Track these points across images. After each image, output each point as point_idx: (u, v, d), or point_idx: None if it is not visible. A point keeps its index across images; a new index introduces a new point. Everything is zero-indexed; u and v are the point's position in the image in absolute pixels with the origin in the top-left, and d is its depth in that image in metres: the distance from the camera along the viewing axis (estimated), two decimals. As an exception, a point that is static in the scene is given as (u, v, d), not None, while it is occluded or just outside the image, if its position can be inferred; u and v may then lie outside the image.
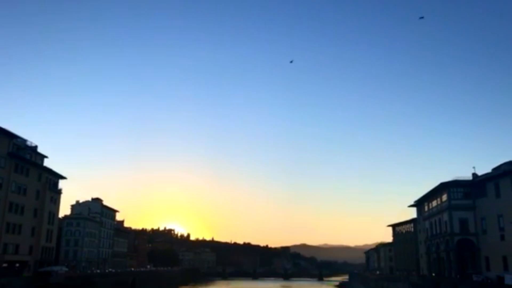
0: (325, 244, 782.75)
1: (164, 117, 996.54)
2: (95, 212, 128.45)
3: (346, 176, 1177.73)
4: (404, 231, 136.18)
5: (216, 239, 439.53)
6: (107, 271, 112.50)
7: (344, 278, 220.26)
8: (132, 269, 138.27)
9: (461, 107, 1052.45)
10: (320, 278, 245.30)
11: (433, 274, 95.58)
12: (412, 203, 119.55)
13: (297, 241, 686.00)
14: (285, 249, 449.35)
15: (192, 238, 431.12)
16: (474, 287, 72.99)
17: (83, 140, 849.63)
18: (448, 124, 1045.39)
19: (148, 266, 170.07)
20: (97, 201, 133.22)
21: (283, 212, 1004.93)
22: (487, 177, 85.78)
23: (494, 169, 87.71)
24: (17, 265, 72.28)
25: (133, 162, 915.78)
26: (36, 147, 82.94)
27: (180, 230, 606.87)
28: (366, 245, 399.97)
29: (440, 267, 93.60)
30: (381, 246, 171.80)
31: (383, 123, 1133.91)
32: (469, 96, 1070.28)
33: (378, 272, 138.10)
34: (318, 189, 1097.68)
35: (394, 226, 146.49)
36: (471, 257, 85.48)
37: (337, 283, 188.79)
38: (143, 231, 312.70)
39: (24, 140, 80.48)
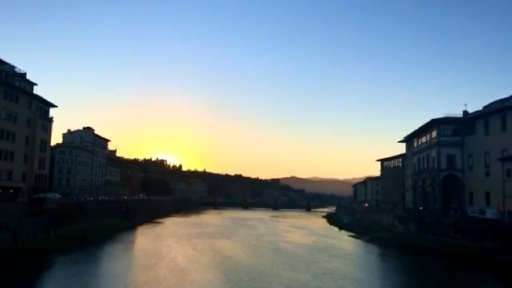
0: (314, 177, 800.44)
1: (161, 49, 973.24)
2: (87, 141, 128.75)
3: (337, 111, 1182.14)
4: (392, 166, 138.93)
5: (208, 170, 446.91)
6: (100, 198, 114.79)
7: (332, 209, 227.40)
8: (125, 197, 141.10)
9: (455, 44, 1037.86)
10: (308, 209, 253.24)
11: (420, 208, 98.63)
12: (402, 139, 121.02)
13: (287, 174, 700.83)
14: (275, 181, 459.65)
15: (184, 169, 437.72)
16: (456, 219, 75.77)
17: (74, 69, 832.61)
18: (442, 62, 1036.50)
19: (141, 195, 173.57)
20: (88, 130, 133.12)
21: (274, 145, 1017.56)
22: (477, 115, 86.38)
23: (485, 107, 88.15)
24: (11, 191, 73.36)
25: (126, 93, 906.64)
26: (25, 74, 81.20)
27: (172, 161, 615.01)
28: (354, 178, 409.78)
29: (425, 201, 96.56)
30: (369, 180, 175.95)
31: (376, 58, 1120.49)
32: (462, 33, 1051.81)
33: (366, 205, 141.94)
34: (308, 123, 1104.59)
35: (382, 161, 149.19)
36: (455, 192, 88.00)
37: (324, 214, 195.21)
38: (136, 161, 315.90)
39: (12, 67, 78.62)
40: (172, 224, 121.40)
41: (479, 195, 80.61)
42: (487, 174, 78.74)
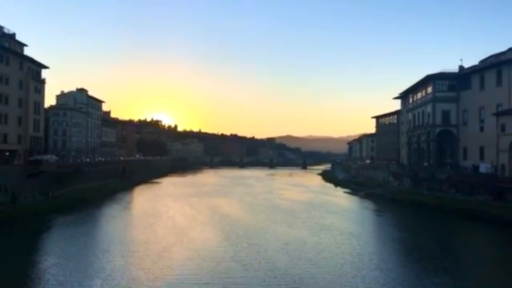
0: (310, 135, 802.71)
1: (157, 8, 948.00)
2: (81, 103, 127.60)
3: (332, 69, 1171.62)
4: (387, 123, 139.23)
5: (203, 130, 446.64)
6: (96, 160, 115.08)
7: (327, 167, 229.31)
8: (121, 158, 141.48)
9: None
10: (304, 167, 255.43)
11: (417, 163, 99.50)
12: (397, 95, 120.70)
13: (283, 133, 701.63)
14: (271, 140, 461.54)
15: (180, 129, 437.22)
16: (450, 174, 76.79)
17: (65, 29, 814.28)
18: (438, 17, 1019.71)
19: (137, 156, 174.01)
20: (82, 91, 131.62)
21: (269, 104, 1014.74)
22: (473, 70, 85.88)
23: (481, 62, 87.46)
24: (7, 154, 73.22)
25: (120, 52, 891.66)
26: (14, 34, 79.26)
27: (167, 121, 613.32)
28: (349, 136, 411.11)
29: (419, 157, 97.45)
30: (364, 137, 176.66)
31: (371, 15, 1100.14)
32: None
33: (368, 161, 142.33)
34: (303, 81, 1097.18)
35: (377, 117, 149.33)
36: (450, 147, 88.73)
37: (320, 172, 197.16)
38: (131, 121, 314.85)
39: (1, 27, 76.69)
40: (169, 184, 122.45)
41: (473, 150, 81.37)
42: (482, 129, 79.18)
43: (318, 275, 30.62)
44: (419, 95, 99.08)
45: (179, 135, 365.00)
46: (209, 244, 41.19)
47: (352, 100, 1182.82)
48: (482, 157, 77.25)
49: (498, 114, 70.55)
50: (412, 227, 56.30)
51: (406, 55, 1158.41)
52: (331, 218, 59.44)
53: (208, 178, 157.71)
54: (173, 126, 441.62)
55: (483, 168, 72.03)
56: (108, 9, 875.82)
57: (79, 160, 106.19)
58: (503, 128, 66.80)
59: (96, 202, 74.30)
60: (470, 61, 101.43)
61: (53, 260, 34.30)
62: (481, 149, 78.20)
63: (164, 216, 59.94)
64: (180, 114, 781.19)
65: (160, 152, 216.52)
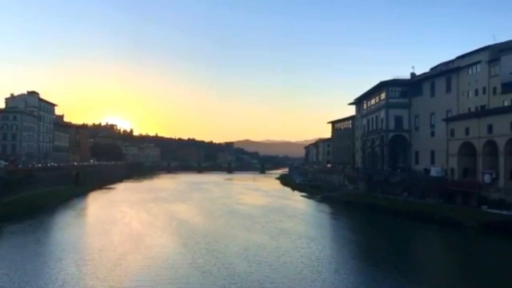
0: (268, 140, 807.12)
1: (113, 8, 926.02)
2: (32, 106, 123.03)
3: (289, 73, 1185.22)
4: (342, 128, 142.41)
5: (160, 134, 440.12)
6: (49, 165, 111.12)
7: (285, 171, 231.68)
8: (75, 163, 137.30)
9: (403, 8, 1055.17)
10: (262, 171, 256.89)
11: (371, 167, 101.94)
12: (352, 101, 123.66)
13: (241, 137, 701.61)
14: (229, 145, 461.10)
15: (136, 133, 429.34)
16: (403, 177, 79.31)
17: (13, 29, 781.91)
18: (391, 25, 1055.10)
19: (91, 161, 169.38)
20: (33, 94, 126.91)
21: (228, 108, 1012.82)
22: (424, 77, 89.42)
23: (432, 69, 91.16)
24: (-49, 159, 69.70)
25: (74, 55, 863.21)
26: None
27: (123, 125, 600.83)
28: (306, 140, 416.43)
29: (373, 161, 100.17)
30: (320, 142, 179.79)
31: (328, 18, 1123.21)
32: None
33: (329, 165, 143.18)
34: (262, 86, 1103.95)
35: (333, 123, 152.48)
36: (402, 152, 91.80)
37: (278, 176, 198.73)
38: (85, 126, 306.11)
39: None
40: (125, 190, 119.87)
41: (424, 154, 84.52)
42: (432, 134, 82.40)
43: (278, 279, 30.73)
44: (373, 101, 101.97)
45: (135, 140, 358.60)
46: (167, 251, 40.54)
47: (309, 105, 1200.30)
48: (433, 161, 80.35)
49: (447, 120, 73.65)
50: (367, 230, 57.79)
51: (361, 62, 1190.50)
52: (290, 222, 60.00)
53: (165, 183, 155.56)
54: (128, 130, 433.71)
55: (434, 171, 74.90)
56: (59, 9, 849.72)
57: (30, 165, 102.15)
58: (452, 133, 69.72)
59: (49, 208, 71.59)
60: (422, 69, 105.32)
61: (1, 271, 32.68)
62: (432, 153, 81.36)
63: (119, 223, 58.55)
64: (136, 118, 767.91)
65: (115, 157, 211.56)
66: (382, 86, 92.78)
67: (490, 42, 73.64)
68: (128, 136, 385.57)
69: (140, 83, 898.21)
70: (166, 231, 52.28)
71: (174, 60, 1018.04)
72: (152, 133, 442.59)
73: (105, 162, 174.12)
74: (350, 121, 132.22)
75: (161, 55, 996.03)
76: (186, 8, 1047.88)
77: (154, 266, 34.38)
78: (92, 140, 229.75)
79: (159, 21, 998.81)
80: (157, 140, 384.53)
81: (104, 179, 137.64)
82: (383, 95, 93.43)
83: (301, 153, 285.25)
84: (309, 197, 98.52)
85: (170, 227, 54.99)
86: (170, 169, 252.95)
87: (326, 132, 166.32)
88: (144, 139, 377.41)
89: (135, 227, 55.16)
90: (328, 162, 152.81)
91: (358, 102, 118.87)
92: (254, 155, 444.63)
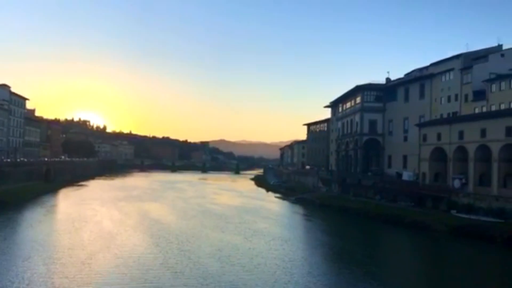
0: (243, 140, 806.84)
1: (88, 4, 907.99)
2: (2, 99, 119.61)
3: (266, 74, 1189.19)
4: (318, 130, 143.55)
5: (134, 132, 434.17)
6: (18, 160, 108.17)
7: (260, 172, 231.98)
8: (46, 159, 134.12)
9: (382, 14, 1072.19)
10: (237, 172, 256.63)
11: (345, 170, 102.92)
12: (328, 104, 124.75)
13: (216, 137, 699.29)
14: (204, 144, 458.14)
15: (109, 130, 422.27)
16: (376, 180, 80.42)
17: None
18: (368, 30, 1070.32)
19: (63, 157, 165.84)
20: (4, 87, 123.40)
21: (203, 107, 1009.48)
22: (398, 82, 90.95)
23: (406, 75, 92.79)
24: None
25: (46, 48, 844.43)
26: None
27: (96, 121, 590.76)
28: (281, 142, 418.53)
29: (347, 164, 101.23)
30: (295, 144, 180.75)
31: (306, 23, 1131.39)
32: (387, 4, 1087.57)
33: (308, 167, 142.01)
34: (237, 86, 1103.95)
35: (309, 125, 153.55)
36: (376, 155, 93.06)
37: (252, 176, 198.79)
38: (57, 121, 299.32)
39: None
40: (97, 187, 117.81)
41: (397, 158, 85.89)
42: (405, 138, 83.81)
43: (251, 281, 30.57)
44: (348, 104, 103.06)
45: (108, 136, 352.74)
46: (138, 250, 39.90)
47: (285, 107, 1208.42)
48: (405, 165, 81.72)
49: (420, 125, 75.03)
50: (340, 232, 58.31)
51: (337, 65, 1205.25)
52: (263, 223, 60.01)
53: (138, 181, 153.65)
54: (102, 126, 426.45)
55: (406, 175, 76.21)
56: (33, 1, 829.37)
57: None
58: (424, 138, 71.05)
59: (17, 205, 69.66)
60: (396, 74, 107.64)
61: (-35, 269, 31.57)
62: (404, 158, 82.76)
63: (90, 221, 57.41)
64: (110, 115, 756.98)
65: (87, 153, 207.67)
66: (358, 90, 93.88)
67: (463, 50, 75.63)
68: (101, 133, 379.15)
69: (115, 79, 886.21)
70: (137, 230, 51.53)
71: (149, 58, 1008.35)
72: (126, 130, 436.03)
73: (77, 159, 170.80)
74: (326, 124, 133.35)
75: (136, 51, 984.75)
76: (171, 9, 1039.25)
77: (125, 266, 33.79)
78: (64, 135, 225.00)
79: (133, 18, 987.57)
80: (131, 138, 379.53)
81: (75, 176, 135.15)
82: (358, 99, 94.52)
83: (276, 154, 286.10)
84: (283, 198, 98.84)
85: (142, 226, 54.23)
86: (144, 168, 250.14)
87: (302, 134, 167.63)
88: (118, 136, 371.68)
89: (106, 226, 54.19)
90: (303, 164, 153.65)
91: (333, 105, 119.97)
92: (229, 155, 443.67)
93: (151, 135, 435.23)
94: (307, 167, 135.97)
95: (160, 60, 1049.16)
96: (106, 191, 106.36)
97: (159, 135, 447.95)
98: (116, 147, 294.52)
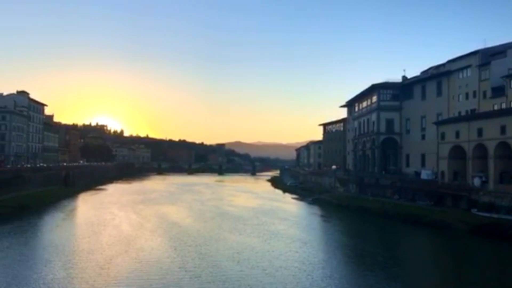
0: (259, 142, 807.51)
1: (101, 9, 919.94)
2: (21, 106, 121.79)
3: (281, 76, 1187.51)
4: (334, 130, 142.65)
5: (151, 135, 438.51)
6: (38, 165, 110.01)
7: (276, 173, 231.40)
8: (64, 164, 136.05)
9: (396, 10, 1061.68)
10: (253, 173, 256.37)
11: (362, 169, 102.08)
12: (343, 103, 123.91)
13: (232, 139, 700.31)
14: (220, 146, 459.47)
15: (126, 134, 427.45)
16: (394, 180, 79.53)
17: (3, 29, 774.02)
18: (383, 27, 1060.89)
19: (81, 161, 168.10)
20: (23, 94, 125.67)
21: (219, 110, 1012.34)
22: (414, 80, 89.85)
23: (423, 73, 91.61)
24: None
25: (63, 54, 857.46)
26: None
27: (113, 126, 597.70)
28: (297, 142, 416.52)
29: (364, 164, 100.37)
30: (311, 144, 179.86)
31: (321, 21, 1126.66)
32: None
33: (334, 167, 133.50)
34: (253, 88, 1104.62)
35: (325, 125, 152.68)
36: (393, 154, 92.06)
37: (269, 178, 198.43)
38: (75, 126, 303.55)
39: None
40: (115, 191, 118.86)
41: (415, 157, 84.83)
42: (423, 137, 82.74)
43: (272, 285, 30.26)
44: (364, 103, 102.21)
45: (126, 140, 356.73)
46: (156, 254, 40.07)
47: (301, 108, 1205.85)
48: (423, 164, 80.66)
49: (438, 123, 73.97)
50: (359, 232, 57.73)
51: (353, 64, 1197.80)
52: (281, 224, 59.76)
53: (156, 184, 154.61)
54: (119, 131, 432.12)
55: (424, 174, 75.18)
56: (47, 7, 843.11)
57: (19, 165, 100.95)
58: (443, 137, 70.03)
59: (37, 210, 70.66)
60: (413, 72, 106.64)
61: (-13, 274, 32.07)
62: (423, 156, 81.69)
63: (109, 225, 57.92)
64: (127, 119, 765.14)
65: (105, 157, 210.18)
66: (374, 89, 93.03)
67: (481, 46, 74.29)
68: (118, 137, 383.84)
69: (132, 84, 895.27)
70: (156, 233, 51.79)
71: (166, 62, 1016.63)
72: (142, 134, 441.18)
73: (95, 163, 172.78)
74: (342, 124, 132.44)
75: (154, 56, 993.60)
76: (181, 12, 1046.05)
77: (143, 270, 33.94)
78: (82, 140, 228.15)
79: (151, 23, 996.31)
80: (147, 141, 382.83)
81: (93, 180, 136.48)
82: (374, 98, 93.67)
83: (292, 155, 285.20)
84: (300, 199, 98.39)
85: (160, 229, 54.49)
86: (161, 171, 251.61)
87: (318, 135, 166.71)
88: (135, 140, 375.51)
89: (125, 229, 54.59)
90: (320, 164, 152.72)
91: (349, 104, 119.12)
92: (245, 157, 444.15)
93: (167, 139, 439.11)
94: (334, 167, 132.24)
95: (177, 65, 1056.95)
96: (124, 194, 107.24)
97: (176, 138, 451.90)
98: (134, 151, 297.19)
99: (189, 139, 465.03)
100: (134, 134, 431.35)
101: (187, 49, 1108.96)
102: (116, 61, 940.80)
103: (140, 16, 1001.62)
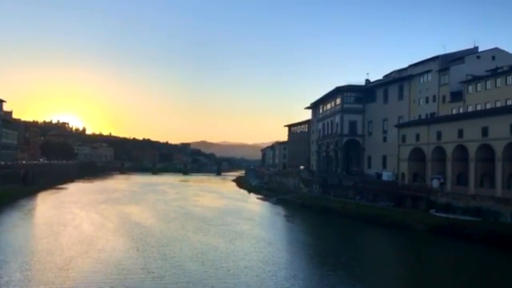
0: (225, 142, 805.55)
1: (65, 6, 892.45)
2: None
3: (247, 77, 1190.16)
4: (298, 131, 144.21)
5: (114, 134, 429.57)
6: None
7: (241, 173, 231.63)
8: (23, 162, 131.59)
9: (359, 15, 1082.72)
10: (219, 173, 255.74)
11: (326, 170, 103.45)
12: (309, 105, 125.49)
13: (198, 138, 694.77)
14: (185, 146, 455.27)
15: (89, 132, 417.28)
16: (356, 181, 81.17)
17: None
18: (347, 32, 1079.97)
19: (41, 159, 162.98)
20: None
21: (184, 109, 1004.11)
22: (377, 84, 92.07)
23: (385, 76, 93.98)
24: None
25: (24, 51, 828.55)
26: None
27: (75, 123, 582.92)
28: (263, 143, 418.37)
29: (328, 164, 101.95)
30: (277, 144, 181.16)
31: (283, 24, 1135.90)
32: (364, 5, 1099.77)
33: (302, 167, 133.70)
34: (219, 88, 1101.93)
35: (290, 126, 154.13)
36: (356, 156, 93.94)
37: (234, 178, 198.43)
38: (35, 123, 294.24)
39: None
40: (76, 190, 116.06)
41: (377, 158, 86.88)
42: (385, 139, 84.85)
43: (236, 285, 30.26)
44: (328, 106, 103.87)
45: (88, 139, 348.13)
46: (118, 254, 39.37)
47: (267, 109, 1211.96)
48: (384, 166, 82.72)
49: (399, 126, 76.04)
50: (322, 233, 58.67)
51: (318, 66, 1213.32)
52: (246, 224, 59.93)
53: (119, 184, 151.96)
54: (81, 129, 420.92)
55: (385, 176, 77.12)
56: (9, 4, 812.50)
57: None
58: (403, 139, 72.00)
59: (-7, 210, 68.13)
60: (376, 75, 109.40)
61: None
62: (384, 158, 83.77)
63: (69, 225, 56.47)
64: (90, 117, 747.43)
65: (66, 156, 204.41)
66: (338, 91, 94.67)
67: (441, 52, 76.96)
68: (80, 135, 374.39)
69: (95, 82, 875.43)
70: (118, 233, 50.90)
71: (130, 61, 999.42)
72: (106, 132, 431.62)
73: (55, 161, 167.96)
74: (306, 125, 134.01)
75: (117, 56, 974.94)
76: (145, 12, 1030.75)
77: (104, 271, 33.26)
78: (42, 138, 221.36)
79: (115, 23, 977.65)
80: (111, 140, 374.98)
81: (54, 179, 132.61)
82: (338, 100, 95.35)
83: (258, 155, 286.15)
84: (265, 199, 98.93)
85: (122, 230, 53.59)
86: (124, 170, 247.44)
87: (283, 135, 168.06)
88: (98, 139, 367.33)
89: (86, 230, 53.40)
90: (285, 165, 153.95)
91: (314, 106, 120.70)
92: (211, 156, 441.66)
93: (131, 137, 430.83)
94: (301, 167, 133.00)
95: (140, 63, 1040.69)
96: (85, 194, 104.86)
97: (140, 137, 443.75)
98: (96, 150, 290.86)
99: (154, 138, 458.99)
100: (97, 133, 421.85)
101: (151, 49, 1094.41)
102: (79, 60, 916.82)
103: (103, 15, 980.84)
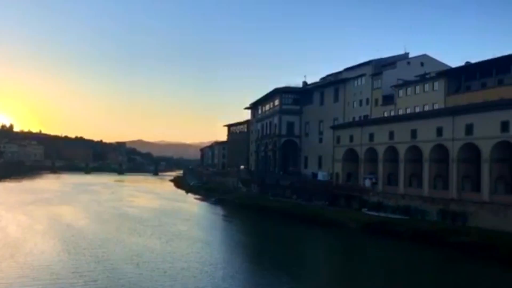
0: (162, 141, 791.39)
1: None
2: None
3: (185, 75, 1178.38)
4: (238, 131, 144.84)
5: (44, 131, 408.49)
6: None
7: (180, 173, 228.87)
8: None
9: (300, 19, 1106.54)
10: (156, 173, 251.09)
11: (264, 170, 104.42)
12: (248, 105, 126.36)
13: (134, 137, 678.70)
14: (120, 144, 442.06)
15: (16, 129, 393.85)
16: (293, 180, 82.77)
17: None
18: (287, 34, 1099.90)
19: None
20: None
21: (118, 106, 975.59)
22: (314, 86, 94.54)
23: (322, 79, 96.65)
24: None
25: None
26: None
27: (1, 120, 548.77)
28: (202, 142, 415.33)
29: (266, 164, 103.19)
30: (216, 144, 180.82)
31: (225, 22, 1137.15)
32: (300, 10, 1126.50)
33: (242, 167, 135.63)
34: (156, 86, 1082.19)
35: (229, 126, 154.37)
36: (293, 156, 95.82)
37: (172, 178, 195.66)
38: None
39: None
40: (2, 190, 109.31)
41: (313, 159, 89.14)
42: (321, 140, 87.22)
43: (173, 287, 29.87)
44: (267, 106, 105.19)
45: (15, 136, 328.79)
46: (47, 258, 37.49)
47: (206, 108, 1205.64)
48: (320, 166, 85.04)
49: (334, 127, 78.45)
50: (260, 232, 59.30)
51: (257, 67, 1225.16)
52: (183, 225, 59.25)
53: (49, 184, 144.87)
54: (8, 125, 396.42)
55: (321, 176, 79.31)
56: None
57: None
58: (338, 140, 74.36)
59: None
60: (313, 78, 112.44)
61: None
62: (320, 158, 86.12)
63: (-7, 228, 53.10)
64: (17, 113, 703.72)
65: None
66: (276, 92, 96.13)
67: (374, 56, 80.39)
68: (7, 132, 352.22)
69: (22, 77, 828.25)
70: (47, 236, 48.48)
71: (60, 55, 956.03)
72: (35, 130, 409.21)
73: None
74: (246, 125, 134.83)
75: (45, 49, 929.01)
76: (85, 8, 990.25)
77: (32, 276, 31.50)
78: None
79: (51, 20, 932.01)
80: (40, 137, 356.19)
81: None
82: (277, 102, 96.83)
83: (197, 155, 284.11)
84: (203, 199, 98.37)
85: (52, 232, 51.10)
86: (55, 169, 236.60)
87: (223, 135, 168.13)
88: (26, 136, 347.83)
89: (12, 232, 50.38)
90: (224, 165, 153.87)
91: (253, 107, 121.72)
92: (148, 156, 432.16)
93: (63, 135, 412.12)
94: (242, 167, 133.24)
95: (73, 58, 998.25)
96: (12, 195, 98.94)
97: (72, 135, 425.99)
98: (24, 148, 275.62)
99: (87, 136, 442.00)
100: (26, 130, 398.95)
101: (83, 45, 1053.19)
102: (3, 55, 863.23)
103: (42, 11, 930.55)
